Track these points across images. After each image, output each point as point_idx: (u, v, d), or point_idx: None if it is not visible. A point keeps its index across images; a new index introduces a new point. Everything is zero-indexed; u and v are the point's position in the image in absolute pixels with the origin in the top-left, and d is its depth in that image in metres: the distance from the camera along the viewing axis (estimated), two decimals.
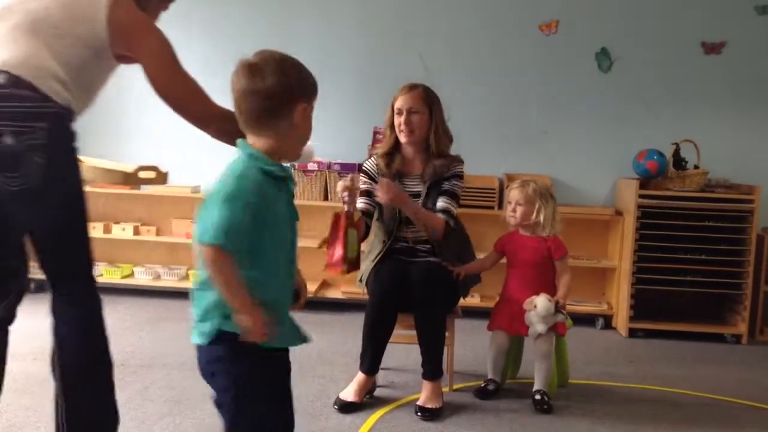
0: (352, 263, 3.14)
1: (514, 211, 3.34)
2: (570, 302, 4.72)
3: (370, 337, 3.16)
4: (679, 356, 4.22)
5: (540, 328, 3.19)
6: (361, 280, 3.40)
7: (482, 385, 3.35)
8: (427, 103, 3.28)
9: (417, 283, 3.11)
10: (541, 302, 3.18)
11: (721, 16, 4.89)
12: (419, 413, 3.05)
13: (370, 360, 3.16)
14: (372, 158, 3.46)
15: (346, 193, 3.10)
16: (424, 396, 3.11)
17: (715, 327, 4.62)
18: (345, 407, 3.08)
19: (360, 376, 3.17)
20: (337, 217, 3.14)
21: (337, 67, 5.08)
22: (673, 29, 4.91)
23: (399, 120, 3.27)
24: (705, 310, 4.76)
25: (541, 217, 3.29)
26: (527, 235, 3.36)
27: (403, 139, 3.29)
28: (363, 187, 3.32)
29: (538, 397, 3.20)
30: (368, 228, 3.35)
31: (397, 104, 3.29)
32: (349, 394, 3.12)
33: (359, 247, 3.20)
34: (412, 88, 3.31)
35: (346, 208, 3.12)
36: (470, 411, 3.14)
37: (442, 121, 3.33)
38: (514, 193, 3.35)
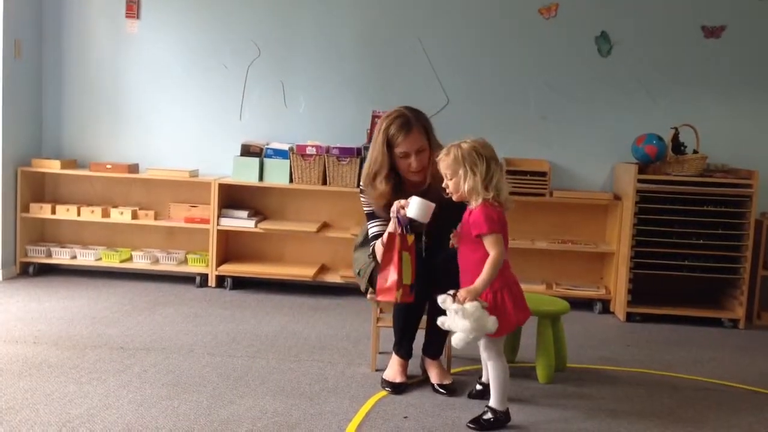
0: (405, 289, 2.88)
1: (446, 185, 2.83)
2: (568, 287, 4.76)
3: (403, 330, 3.22)
4: (676, 340, 4.23)
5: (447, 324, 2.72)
6: (359, 274, 3.36)
7: (477, 388, 3.12)
8: (426, 134, 3.10)
9: (443, 271, 2.98)
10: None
11: (721, 0, 4.86)
12: (441, 390, 3.13)
13: (406, 348, 3.24)
14: (369, 206, 3.22)
15: (402, 212, 2.88)
16: (436, 375, 3.20)
17: (713, 311, 4.62)
18: (396, 387, 3.14)
19: (398, 359, 3.23)
20: (391, 238, 2.91)
21: (335, 51, 5.05)
22: (673, 13, 4.88)
23: (407, 162, 3.07)
24: (703, 294, 4.77)
25: (466, 187, 2.76)
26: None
27: (416, 178, 3.10)
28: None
29: (482, 413, 2.82)
30: (420, 253, 3.03)
31: (401, 149, 3.05)
32: (396, 375, 3.19)
33: (413, 273, 2.91)
34: (407, 125, 3.04)
35: (397, 229, 2.89)
36: (466, 395, 3.14)
37: (435, 139, 3.16)
38: (440, 165, 2.84)
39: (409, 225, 2.91)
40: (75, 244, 5.13)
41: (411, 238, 2.93)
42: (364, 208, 3.28)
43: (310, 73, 5.09)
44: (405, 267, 2.87)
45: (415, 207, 2.85)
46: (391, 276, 2.88)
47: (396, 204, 2.93)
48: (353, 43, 5.05)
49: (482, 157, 2.73)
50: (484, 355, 2.85)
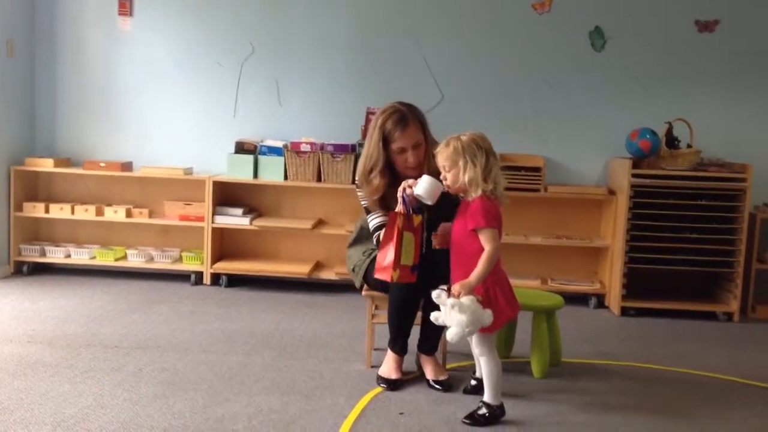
0: (405, 270, 2.87)
1: (444, 177, 2.83)
2: (563, 281, 4.76)
3: (398, 327, 3.21)
4: (671, 334, 4.25)
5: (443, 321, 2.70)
6: (354, 270, 3.36)
7: (471, 383, 3.15)
8: (422, 129, 3.13)
9: (438, 266, 2.95)
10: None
11: None
12: (436, 386, 3.14)
13: (402, 344, 3.24)
14: (366, 200, 3.22)
15: (407, 192, 2.88)
16: (432, 370, 3.21)
17: (707, 305, 4.64)
18: (392, 384, 3.14)
19: (393, 355, 3.23)
20: (392, 217, 2.89)
21: (330, 48, 5.05)
22: (666, 7, 4.88)
23: (404, 157, 3.07)
24: (697, 288, 4.78)
25: (466, 178, 2.75)
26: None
27: (412, 173, 3.09)
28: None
29: (476, 408, 2.83)
30: (427, 242, 2.99)
31: (398, 144, 3.05)
32: (391, 371, 3.19)
33: (416, 254, 2.90)
34: (404, 121, 3.06)
35: (402, 209, 2.88)
36: (461, 391, 3.15)
37: (431, 134, 3.18)
38: (438, 157, 2.84)
39: (414, 208, 2.90)
40: (69, 243, 5.11)
41: (417, 219, 2.91)
42: (362, 203, 3.27)
43: (304, 70, 5.08)
44: (406, 247, 2.86)
45: (424, 184, 2.85)
46: (388, 255, 2.87)
47: (404, 183, 2.94)
48: (347, 40, 5.04)
49: (482, 149, 2.75)
50: (476, 350, 2.86)
